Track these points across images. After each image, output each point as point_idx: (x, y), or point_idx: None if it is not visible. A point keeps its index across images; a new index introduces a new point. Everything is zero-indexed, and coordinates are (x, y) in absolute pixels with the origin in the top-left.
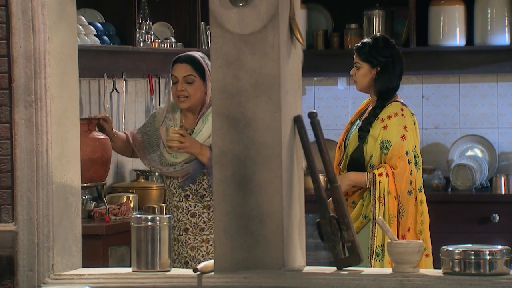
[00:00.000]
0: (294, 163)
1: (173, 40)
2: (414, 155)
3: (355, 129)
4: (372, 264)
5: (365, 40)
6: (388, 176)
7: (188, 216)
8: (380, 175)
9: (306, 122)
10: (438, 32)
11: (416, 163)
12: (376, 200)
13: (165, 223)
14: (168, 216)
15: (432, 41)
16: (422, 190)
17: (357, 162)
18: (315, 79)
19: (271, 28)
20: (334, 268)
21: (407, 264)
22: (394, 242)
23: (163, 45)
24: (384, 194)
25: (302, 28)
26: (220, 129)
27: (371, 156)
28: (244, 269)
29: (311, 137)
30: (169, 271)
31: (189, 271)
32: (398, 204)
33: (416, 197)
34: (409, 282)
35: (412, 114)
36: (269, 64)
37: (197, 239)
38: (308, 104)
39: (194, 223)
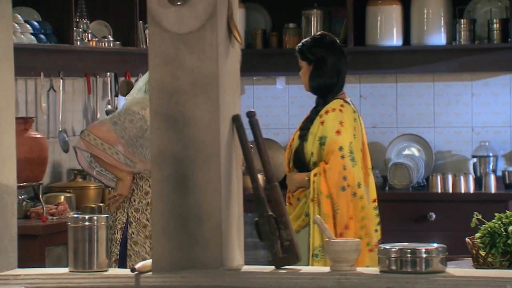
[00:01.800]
0: (233, 162)
1: (111, 38)
2: (350, 151)
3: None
4: (311, 265)
5: (305, 39)
6: (321, 175)
7: (132, 210)
8: (315, 175)
9: (245, 121)
10: (375, 32)
11: (352, 159)
12: (309, 201)
13: (103, 223)
14: (105, 215)
15: (369, 41)
16: (362, 186)
17: (299, 161)
18: (254, 78)
19: (209, 27)
20: (273, 267)
21: (345, 263)
22: (332, 240)
23: (100, 44)
24: (317, 194)
25: (241, 27)
26: (158, 128)
27: (312, 153)
28: (182, 269)
29: (250, 136)
30: (106, 271)
31: (126, 271)
32: (332, 201)
33: (355, 193)
34: (346, 280)
35: (354, 111)
36: (208, 63)
37: (140, 235)
38: (247, 104)
39: (137, 218)
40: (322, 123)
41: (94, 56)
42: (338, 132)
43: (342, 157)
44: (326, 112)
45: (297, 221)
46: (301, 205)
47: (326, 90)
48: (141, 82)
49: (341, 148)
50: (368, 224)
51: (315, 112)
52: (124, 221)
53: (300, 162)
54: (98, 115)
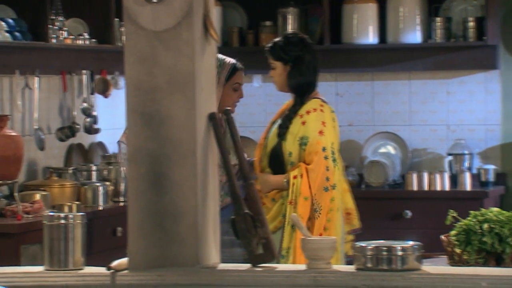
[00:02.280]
0: (209, 160)
1: (87, 36)
2: (332, 152)
3: (274, 128)
4: None
5: (276, 39)
6: (302, 177)
7: None
8: (295, 177)
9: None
10: (351, 30)
11: (334, 160)
12: (287, 203)
13: (78, 221)
14: (81, 214)
15: (345, 39)
16: (336, 188)
17: (276, 160)
18: None
19: (185, 25)
20: (249, 265)
21: (321, 260)
22: (308, 238)
23: (76, 42)
24: (296, 196)
25: (217, 25)
26: (135, 126)
27: (290, 153)
28: (158, 267)
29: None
30: (82, 269)
31: (102, 269)
32: (312, 203)
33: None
34: (322, 278)
35: (332, 111)
36: (184, 61)
37: None
38: None
39: None
40: (303, 123)
41: (70, 54)
42: (321, 132)
43: (326, 158)
44: (308, 112)
45: (273, 222)
46: (277, 206)
47: (304, 89)
48: None
49: (324, 149)
50: (331, 226)
51: (293, 111)
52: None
53: (278, 162)
54: (74, 113)
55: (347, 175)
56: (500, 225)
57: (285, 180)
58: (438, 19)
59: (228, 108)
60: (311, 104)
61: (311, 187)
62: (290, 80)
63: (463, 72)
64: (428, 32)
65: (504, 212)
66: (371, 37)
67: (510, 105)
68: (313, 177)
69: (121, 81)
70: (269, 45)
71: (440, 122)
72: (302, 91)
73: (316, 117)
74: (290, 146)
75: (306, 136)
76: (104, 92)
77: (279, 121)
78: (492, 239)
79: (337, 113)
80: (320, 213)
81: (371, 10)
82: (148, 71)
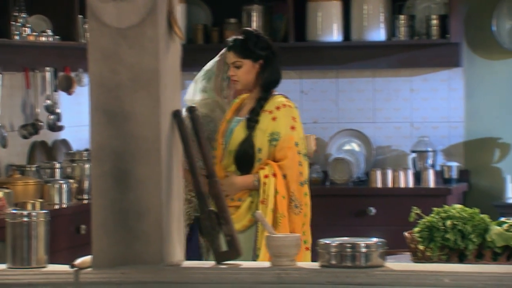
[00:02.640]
0: (173, 158)
1: (50, 33)
2: (303, 147)
3: (236, 125)
4: None
5: (235, 37)
6: (276, 176)
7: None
8: (266, 176)
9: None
10: (316, 27)
11: (304, 155)
12: (259, 203)
13: (41, 219)
14: (44, 211)
15: (310, 36)
16: (308, 183)
17: (245, 155)
18: (195, 73)
19: (150, 22)
20: (213, 263)
21: (285, 258)
22: (272, 235)
23: (39, 38)
24: (268, 195)
25: (182, 22)
26: (98, 123)
27: (260, 149)
28: (122, 265)
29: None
30: (45, 267)
31: (66, 267)
32: (292, 199)
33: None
34: (286, 275)
35: (296, 107)
36: (148, 58)
37: None
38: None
39: None
40: (274, 119)
41: (33, 51)
42: (292, 128)
43: (299, 153)
44: (278, 108)
45: (242, 220)
46: (246, 204)
47: (272, 85)
48: (199, 83)
49: (296, 144)
50: (307, 221)
51: (260, 106)
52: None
53: (246, 157)
54: (38, 110)
55: (311, 172)
56: (462, 222)
57: (255, 180)
58: (401, 17)
59: (193, 105)
60: (279, 100)
61: (290, 183)
62: (264, 77)
63: (427, 69)
64: (392, 30)
65: (466, 209)
66: (335, 35)
67: (473, 102)
68: (290, 174)
69: (85, 78)
70: (230, 44)
71: (404, 119)
72: (270, 87)
73: (286, 112)
74: (260, 142)
75: (277, 132)
76: (68, 89)
77: (237, 119)
78: (455, 235)
79: (302, 111)
80: (301, 208)
81: (335, 7)
82: (112, 68)
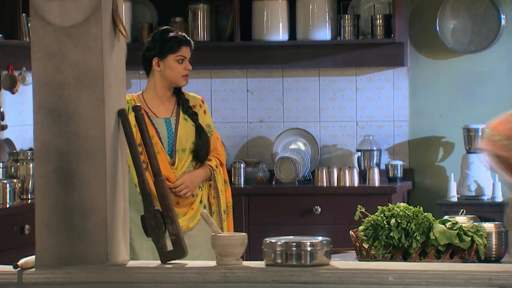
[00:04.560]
0: (118, 157)
1: None
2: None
3: (174, 125)
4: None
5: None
6: (222, 166)
7: None
8: (216, 166)
9: None
10: (261, 27)
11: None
12: (219, 192)
13: None
14: None
15: (256, 35)
16: None
17: (203, 147)
18: (141, 72)
19: (94, 21)
20: (158, 262)
21: (231, 257)
22: (218, 235)
23: None
24: (218, 184)
25: (127, 21)
26: (42, 122)
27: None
28: (66, 265)
29: None
30: None
31: (8, 267)
32: (224, 181)
33: None
34: (232, 274)
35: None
36: (92, 57)
37: None
38: None
39: None
40: (205, 112)
41: None
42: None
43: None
44: (203, 101)
45: (198, 215)
46: (198, 199)
47: None
48: None
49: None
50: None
51: (188, 103)
52: None
53: (205, 149)
54: None
55: (257, 171)
56: (407, 220)
57: (212, 170)
58: (347, 16)
59: (138, 104)
60: (195, 96)
61: (225, 169)
62: None
63: (372, 69)
64: (337, 29)
65: (411, 207)
66: (281, 34)
67: (417, 101)
68: (223, 160)
69: (29, 77)
70: (188, 39)
71: (349, 118)
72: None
73: (207, 106)
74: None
75: (208, 124)
76: (11, 88)
77: (166, 119)
78: (399, 234)
79: (248, 110)
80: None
81: (281, 7)
82: (56, 67)
